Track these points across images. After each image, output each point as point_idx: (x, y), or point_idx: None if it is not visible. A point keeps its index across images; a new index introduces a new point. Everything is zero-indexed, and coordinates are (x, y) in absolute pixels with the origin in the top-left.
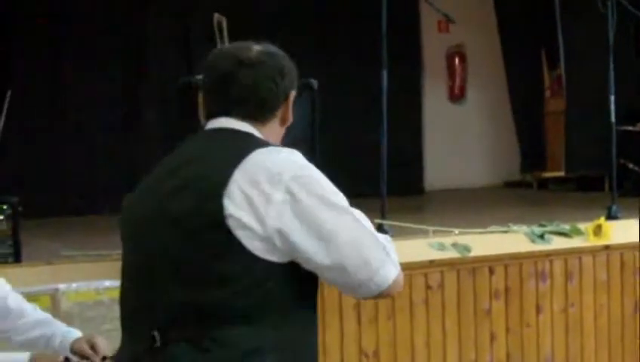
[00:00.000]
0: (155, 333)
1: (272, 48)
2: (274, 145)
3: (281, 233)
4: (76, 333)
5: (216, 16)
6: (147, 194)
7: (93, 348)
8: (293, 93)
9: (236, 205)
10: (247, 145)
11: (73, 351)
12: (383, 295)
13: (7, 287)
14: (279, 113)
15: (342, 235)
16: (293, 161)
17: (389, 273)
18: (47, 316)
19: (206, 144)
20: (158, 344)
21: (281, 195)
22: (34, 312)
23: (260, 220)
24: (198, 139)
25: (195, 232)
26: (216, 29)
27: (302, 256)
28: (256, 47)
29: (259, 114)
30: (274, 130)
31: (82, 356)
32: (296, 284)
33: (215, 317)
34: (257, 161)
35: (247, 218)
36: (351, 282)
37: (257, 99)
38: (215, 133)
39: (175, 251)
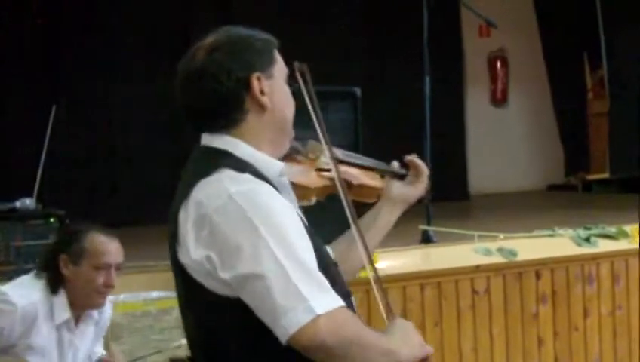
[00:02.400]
0: None
1: (217, 39)
2: (223, 167)
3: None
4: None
5: (296, 65)
6: None
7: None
8: (255, 76)
9: (182, 247)
10: (195, 176)
11: None
12: (300, 344)
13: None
14: (248, 105)
15: (252, 270)
16: (221, 192)
17: (292, 321)
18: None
19: (185, 170)
20: None
21: (205, 231)
22: None
23: (195, 261)
24: (188, 161)
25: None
26: (299, 77)
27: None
28: (200, 51)
29: (223, 120)
30: (257, 124)
31: None
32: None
33: (197, 351)
34: (195, 199)
35: (185, 258)
36: (264, 319)
37: (209, 108)
38: (195, 153)
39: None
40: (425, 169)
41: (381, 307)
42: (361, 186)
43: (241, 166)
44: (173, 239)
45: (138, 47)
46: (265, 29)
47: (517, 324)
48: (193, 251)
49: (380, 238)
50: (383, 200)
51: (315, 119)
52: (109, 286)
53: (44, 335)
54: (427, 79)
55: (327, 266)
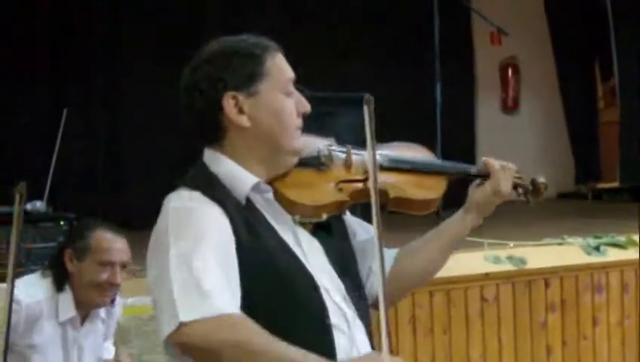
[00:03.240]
0: None
1: (201, 56)
2: (182, 186)
3: None
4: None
5: (366, 98)
6: None
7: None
8: (229, 95)
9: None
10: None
11: None
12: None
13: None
14: (226, 124)
15: (157, 281)
16: (163, 208)
17: (163, 328)
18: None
19: None
20: None
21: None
22: None
23: None
24: None
25: None
26: (365, 114)
27: None
28: (189, 67)
29: (205, 136)
30: (241, 141)
31: None
32: None
33: None
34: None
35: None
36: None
37: (191, 123)
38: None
39: None
40: (498, 167)
41: (383, 336)
42: (400, 199)
43: (202, 183)
44: None
45: (148, 50)
46: (271, 33)
47: (526, 332)
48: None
49: (443, 253)
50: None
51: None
52: (112, 284)
53: (47, 334)
54: (438, 86)
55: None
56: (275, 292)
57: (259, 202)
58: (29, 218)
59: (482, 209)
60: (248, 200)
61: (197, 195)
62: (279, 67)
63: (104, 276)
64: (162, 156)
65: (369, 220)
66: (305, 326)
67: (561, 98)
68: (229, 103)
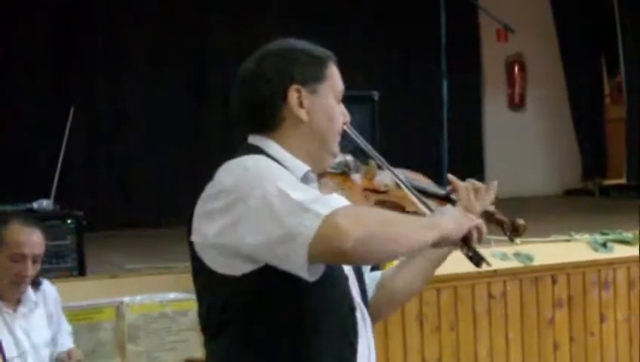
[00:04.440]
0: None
1: (269, 48)
2: (247, 155)
3: (218, 237)
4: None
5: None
6: None
7: (69, 356)
8: (294, 88)
9: (194, 224)
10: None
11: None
12: (329, 251)
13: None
14: (285, 114)
15: (250, 220)
16: (239, 166)
17: (308, 228)
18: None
19: None
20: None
21: (220, 202)
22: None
23: (204, 236)
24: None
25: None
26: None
27: (235, 249)
28: (253, 57)
29: (259, 124)
30: (293, 133)
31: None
32: (261, 300)
33: (205, 329)
34: (217, 179)
35: (195, 235)
36: (281, 257)
37: (244, 112)
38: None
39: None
40: (461, 186)
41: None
42: (416, 215)
43: (264, 157)
44: (189, 222)
45: (154, 47)
46: (277, 31)
47: (533, 329)
48: (207, 226)
49: (425, 270)
50: None
51: (367, 150)
52: (21, 277)
53: None
54: (445, 83)
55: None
56: (319, 284)
57: None
58: (36, 216)
59: None
60: None
61: (267, 158)
62: (336, 75)
63: (14, 270)
64: (172, 156)
65: None
66: (335, 315)
67: (567, 94)
68: (292, 95)
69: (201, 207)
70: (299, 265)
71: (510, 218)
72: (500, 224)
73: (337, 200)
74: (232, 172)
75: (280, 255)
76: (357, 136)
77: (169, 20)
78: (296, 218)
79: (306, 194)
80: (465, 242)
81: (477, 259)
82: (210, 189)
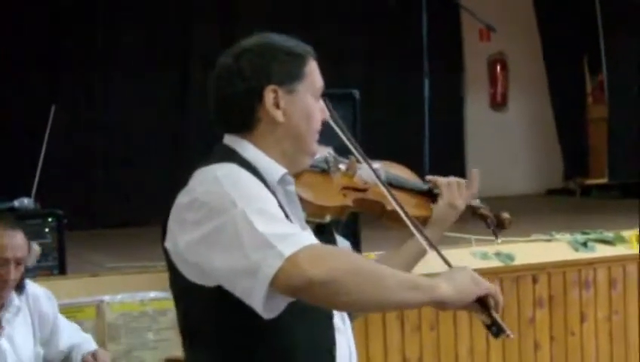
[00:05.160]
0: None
1: (247, 45)
2: (220, 162)
3: (186, 251)
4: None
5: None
6: None
7: (94, 357)
8: (270, 88)
9: (168, 232)
10: (198, 168)
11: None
12: (290, 287)
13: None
14: (261, 115)
15: (217, 246)
16: (209, 176)
17: (270, 267)
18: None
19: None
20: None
21: (192, 213)
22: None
23: (176, 245)
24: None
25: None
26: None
27: (203, 268)
28: (230, 53)
29: (235, 123)
30: (269, 134)
31: None
32: (236, 311)
33: (182, 334)
34: (189, 187)
35: (168, 243)
36: (242, 291)
37: (220, 109)
38: (213, 149)
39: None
40: (444, 183)
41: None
42: (395, 213)
43: (238, 163)
44: (164, 225)
45: (139, 47)
46: (264, 30)
47: (513, 328)
48: (178, 235)
49: (407, 267)
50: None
51: (349, 145)
52: (4, 281)
53: None
54: (427, 82)
55: None
56: None
57: (280, 193)
58: (17, 215)
59: (440, 224)
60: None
61: (237, 165)
62: (316, 72)
63: None
64: (151, 154)
65: (347, 236)
66: (311, 323)
67: (549, 94)
68: (269, 96)
69: (174, 213)
70: (257, 301)
71: (494, 212)
72: (483, 218)
73: (306, 238)
74: (205, 183)
75: (241, 288)
76: (341, 131)
77: (156, 22)
78: (260, 253)
79: (274, 227)
80: (483, 308)
81: (497, 330)
82: (183, 196)
